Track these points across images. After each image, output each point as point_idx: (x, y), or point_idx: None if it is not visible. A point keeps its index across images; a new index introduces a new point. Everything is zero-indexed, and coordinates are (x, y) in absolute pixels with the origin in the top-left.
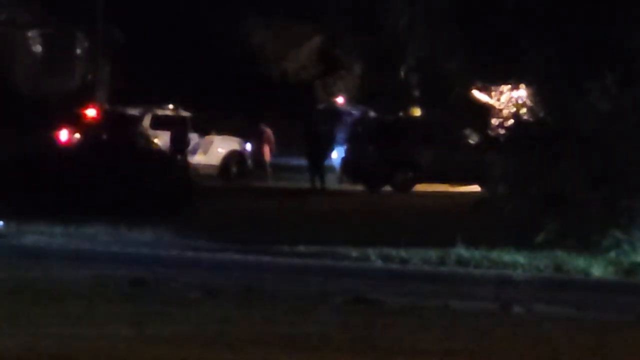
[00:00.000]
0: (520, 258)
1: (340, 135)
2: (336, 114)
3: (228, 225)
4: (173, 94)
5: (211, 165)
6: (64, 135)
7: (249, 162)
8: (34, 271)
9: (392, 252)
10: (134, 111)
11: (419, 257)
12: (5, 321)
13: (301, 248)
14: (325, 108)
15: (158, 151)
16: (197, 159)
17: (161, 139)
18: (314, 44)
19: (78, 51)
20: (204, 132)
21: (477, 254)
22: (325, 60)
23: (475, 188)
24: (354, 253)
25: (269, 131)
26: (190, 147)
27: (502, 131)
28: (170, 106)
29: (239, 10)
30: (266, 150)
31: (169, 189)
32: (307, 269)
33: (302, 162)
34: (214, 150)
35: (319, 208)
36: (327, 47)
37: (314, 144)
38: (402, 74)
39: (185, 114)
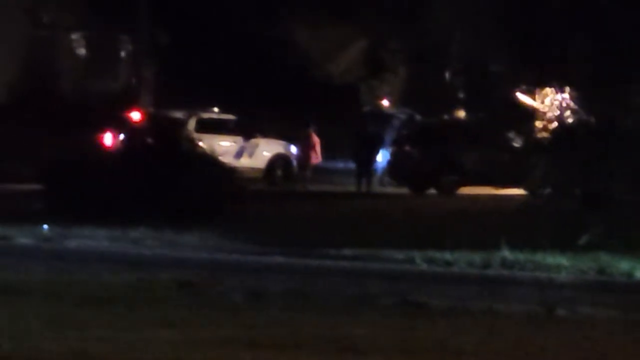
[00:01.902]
0: (564, 260)
1: (386, 138)
2: (382, 116)
3: (273, 229)
4: (217, 97)
5: (256, 169)
6: (108, 138)
7: (295, 165)
8: (78, 275)
9: (437, 254)
10: (178, 114)
11: (464, 260)
12: (50, 325)
13: (347, 251)
14: (370, 111)
15: (203, 154)
16: (242, 162)
17: (206, 142)
18: (359, 47)
19: (122, 54)
20: (248, 135)
21: (521, 256)
22: (370, 62)
23: (520, 190)
24: (400, 256)
25: (314, 135)
26: (235, 151)
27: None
28: (215, 109)
29: (284, 12)
30: (312, 154)
31: (215, 192)
32: (353, 271)
33: (348, 165)
34: (259, 153)
35: (365, 211)
36: (372, 50)
37: (361, 147)
38: (447, 76)
39: (229, 117)
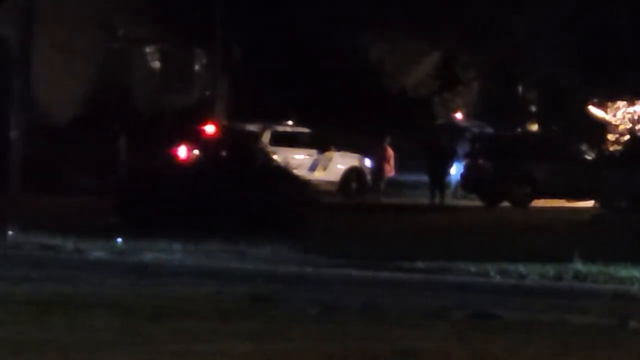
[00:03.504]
0: (637, 273)
1: (460, 150)
2: (455, 129)
3: (347, 241)
4: (292, 110)
5: (330, 182)
6: (182, 151)
7: (369, 178)
8: (152, 288)
9: (510, 267)
10: (252, 127)
11: (537, 272)
12: (124, 338)
13: (420, 264)
14: (444, 124)
15: (277, 167)
16: (317, 175)
17: (280, 155)
18: (433, 60)
19: (196, 67)
20: (323, 148)
21: (593, 268)
22: (443, 75)
23: (592, 203)
24: (473, 268)
25: (389, 148)
26: (309, 164)
27: (618, 146)
28: (290, 122)
29: (358, 26)
30: (386, 166)
31: (289, 205)
32: (426, 284)
33: (421, 177)
34: (333, 166)
35: (438, 223)
36: (445, 63)
37: (435, 160)
38: (519, 90)
39: (304, 129)
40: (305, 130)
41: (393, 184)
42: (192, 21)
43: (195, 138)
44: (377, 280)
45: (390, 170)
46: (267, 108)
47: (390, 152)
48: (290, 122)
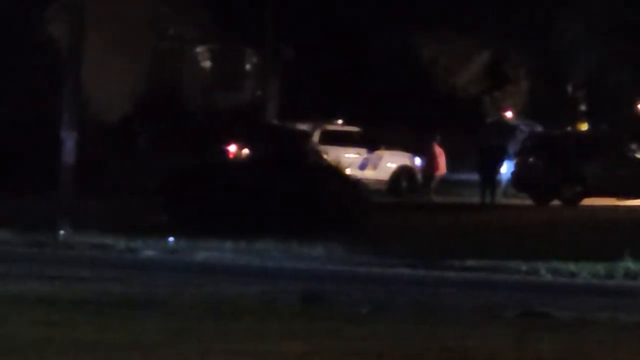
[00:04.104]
0: None
1: (510, 149)
2: (505, 128)
3: (398, 240)
4: (342, 110)
5: (380, 181)
6: (233, 150)
7: (419, 177)
8: (204, 287)
9: (561, 265)
10: (303, 126)
11: (588, 271)
12: (176, 337)
13: (471, 262)
14: (494, 122)
15: (329, 166)
16: (366, 174)
17: (330, 154)
18: (483, 59)
19: (247, 67)
20: (373, 147)
21: None
22: (493, 75)
23: None
24: (524, 267)
25: (439, 147)
26: (359, 162)
27: None
28: (340, 121)
29: (408, 25)
30: (437, 165)
31: (341, 204)
32: (477, 283)
33: (471, 176)
34: (383, 165)
35: (489, 222)
36: (495, 62)
37: (485, 159)
38: (569, 88)
39: (354, 128)
40: (355, 129)
41: (444, 182)
42: (243, 21)
43: (246, 137)
44: (428, 279)
45: (441, 169)
46: (317, 107)
47: (440, 150)
48: (339, 121)
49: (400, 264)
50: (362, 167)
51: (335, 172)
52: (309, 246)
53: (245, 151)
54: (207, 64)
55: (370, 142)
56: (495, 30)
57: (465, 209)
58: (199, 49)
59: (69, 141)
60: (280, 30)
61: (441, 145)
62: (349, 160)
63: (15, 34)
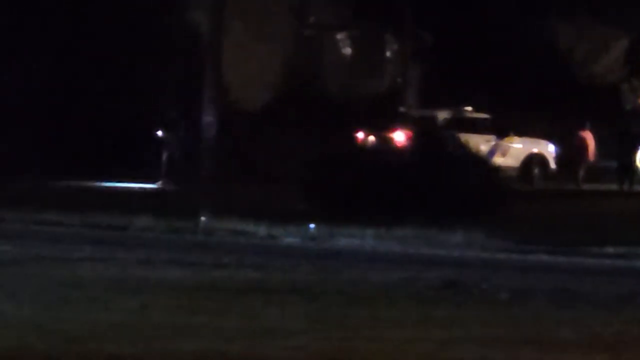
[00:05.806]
0: None
1: None
2: None
3: (536, 227)
4: (477, 96)
5: (510, 167)
6: (372, 137)
7: (552, 164)
8: (345, 274)
9: None
10: (443, 113)
11: None
12: (317, 323)
13: (610, 249)
14: (633, 110)
15: (469, 153)
16: (496, 161)
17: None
18: (622, 47)
19: (387, 53)
20: (502, 134)
21: None
22: (631, 62)
23: None
24: None
25: (589, 134)
26: (488, 149)
27: None
28: (469, 108)
29: (547, 13)
30: (586, 153)
31: (480, 190)
32: (616, 270)
33: (609, 164)
34: (513, 152)
35: (627, 209)
36: (633, 49)
37: (624, 146)
38: None
39: (484, 115)
40: (485, 115)
41: (592, 170)
42: (382, 8)
43: (386, 123)
44: (568, 266)
45: (590, 157)
46: (455, 95)
47: (590, 138)
48: (469, 108)
49: (539, 250)
50: (491, 154)
51: (474, 159)
52: (448, 232)
53: (372, 138)
54: (347, 50)
55: (500, 129)
56: (634, 16)
57: (603, 196)
58: (339, 36)
59: (210, 127)
60: (420, 15)
61: (592, 131)
62: (478, 147)
63: (156, 18)
